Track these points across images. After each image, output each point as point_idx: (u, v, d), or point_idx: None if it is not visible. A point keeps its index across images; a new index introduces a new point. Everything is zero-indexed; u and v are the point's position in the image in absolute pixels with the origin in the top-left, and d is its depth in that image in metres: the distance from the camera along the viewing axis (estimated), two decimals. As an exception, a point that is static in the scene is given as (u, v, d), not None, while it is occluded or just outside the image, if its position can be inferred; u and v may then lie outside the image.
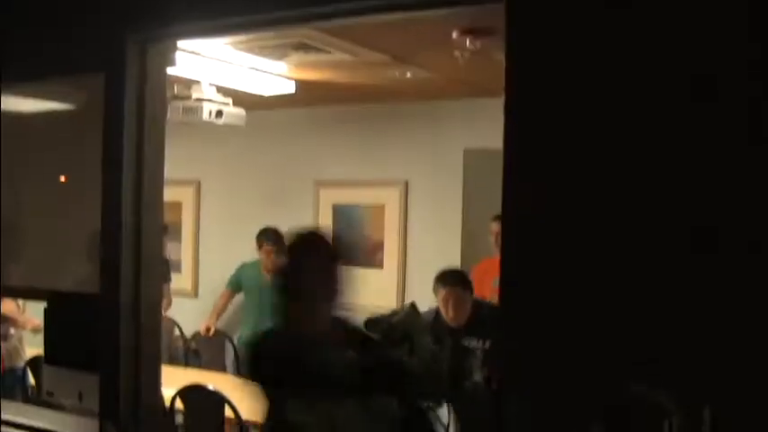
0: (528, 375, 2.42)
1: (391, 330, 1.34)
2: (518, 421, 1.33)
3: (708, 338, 2.25)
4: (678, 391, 1.36)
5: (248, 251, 8.70)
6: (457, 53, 5.54)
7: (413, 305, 1.28)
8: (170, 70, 3.75)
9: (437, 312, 6.30)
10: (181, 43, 4.30)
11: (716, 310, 2.27)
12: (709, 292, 2.28)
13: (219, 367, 8.64)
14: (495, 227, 6.44)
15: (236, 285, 8.79)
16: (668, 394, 1.37)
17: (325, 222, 8.91)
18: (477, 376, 1.27)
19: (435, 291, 6.13)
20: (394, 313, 1.34)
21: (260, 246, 8.42)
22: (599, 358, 2.36)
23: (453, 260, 7.96)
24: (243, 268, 8.76)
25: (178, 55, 3.87)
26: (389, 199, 8.60)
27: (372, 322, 1.35)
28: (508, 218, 2.52)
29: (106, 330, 3.40)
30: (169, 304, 8.48)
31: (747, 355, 2.21)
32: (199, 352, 8.62)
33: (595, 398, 1.82)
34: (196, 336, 8.63)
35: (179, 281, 9.22)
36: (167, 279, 8.52)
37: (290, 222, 8.72)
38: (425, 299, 8.00)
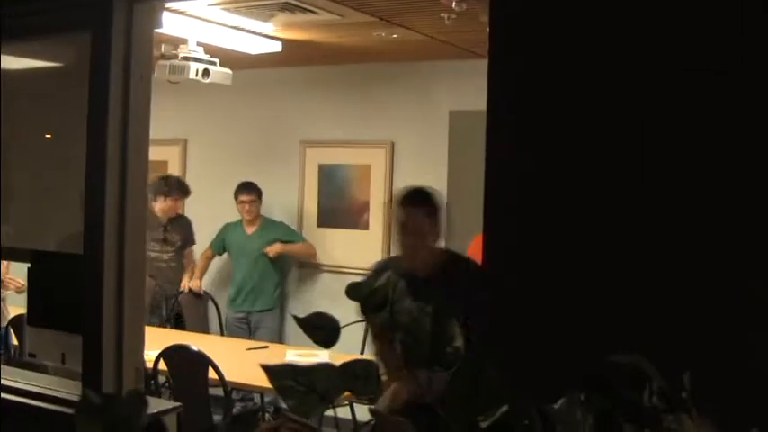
0: (506, 345, 2.44)
1: (372, 295, 1.34)
2: (494, 390, 1.34)
3: (687, 305, 2.27)
4: (658, 357, 1.37)
5: (234, 209, 8.71)
6: (443, 14, 5.53)
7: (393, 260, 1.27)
8: (157, 30, 3.73)
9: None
10: (168, 3, 4.28)
11: (695, 278, 2.28)
12: (687, 262, 2.29)
13: (203, 328, 8.68)
14: None
15: (218, 247, 8.94)
16: (648, 360, 1.38)
17: (311, 182, 8.92)
18: (459, 341, 1.27)
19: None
20: (375, 278, 1.33)
21: (237, 199, 8.64)
22: (578, 326, 2.38)
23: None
24: (226, 229, 8.88)
25: (165, 15, 3.86)
26: (375, 159, 8.60)
27: (354, 287, 1.35)
28: (490, 184, 2.52)
29: (89, 291, 3.40)
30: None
31: (725, 320, 2.23)
32: (182, 313, 8.64)
33: (575, 366, 1.83)
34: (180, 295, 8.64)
35: (165, 239, 9.25)
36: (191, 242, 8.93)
37: (276, 181, 8.79)
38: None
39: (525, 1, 2.56)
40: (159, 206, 8.48)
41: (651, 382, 1.38)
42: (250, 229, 8.73)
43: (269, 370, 1.30)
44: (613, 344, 1.50)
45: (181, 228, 8.74)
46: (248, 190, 8.64)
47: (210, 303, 8.90)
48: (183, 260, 8.87)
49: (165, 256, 8.60)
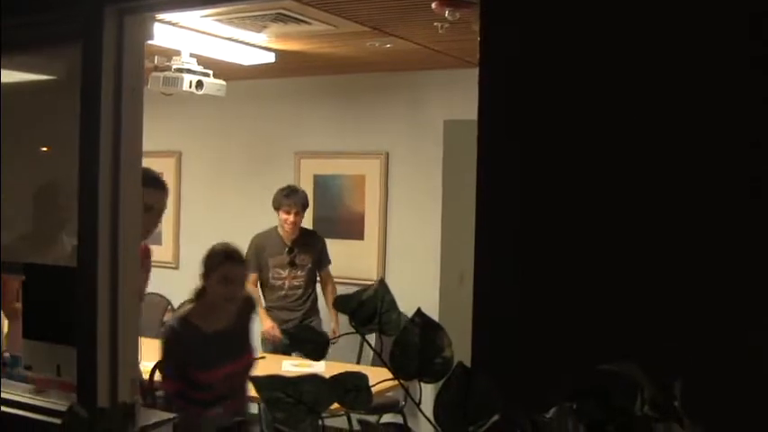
0: (497, 354, 2.44)
1: (360, 308, 1.34)
2: (486, 399, 1.34)
3: (679, 313, 2.27)
4: (649, 366, 1.37)
5: (229, 221, 8.70)
6: (437, 23, 5.53)
7: (382, 281, 1.28)
8: (149, 42, 3.73)
9: None
10: (160, 14, 4.28)
11: (685, 287, 2.28)
12: (679, 271, 2.29)
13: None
14: None
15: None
16: (640, 368, 1.38)
17: (306, 192, 8.93)
18: (449, 352, 1.26)
19: None
20: (364, 290, 1.34)
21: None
22: (570, 335, 2.37)
23: (434, 231, 8.00)
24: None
25: (158, 26, 3.85)
26: (370, 170, 8.61)
27: (342, 300, 1.35)
28: (481, 193, 2.52)
29: (83, 303, 3.39)
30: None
31: (718, 328, 2.22)
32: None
33: (566, 375, 1.83)
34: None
35: (160, 252, 9.20)
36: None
37: (270, 192, 8.77)
38: (406, 270, 8.05)
39: (515, 9, 2.56)
40: (284, 223, 7.71)
41: (643, 391, 1.37)
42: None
43: (257, 381, 1.30)
44: (605, 353, 1.50)
45: (311, 245, 7.90)
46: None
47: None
48: (314, 286, 7.92)
49: (296, 282, 7.77)
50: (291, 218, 7.69)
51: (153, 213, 4.71)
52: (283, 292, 7.75)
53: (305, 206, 7.85)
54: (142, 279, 4.72)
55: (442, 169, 8.06)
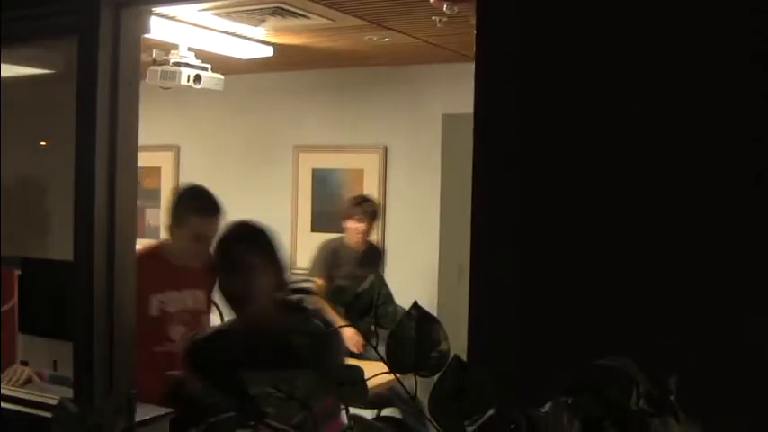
0: (493, 348, 2.43)
1: (356, 301, 1.33)
2: (481, 394, 1.33)
3: (676, 308, 2.26)
4: (646, 361, 1.37)
5: (227, 215, 8.68)
6: (435, 17, 5.53)
7: (378, 274, 1.27)
8: (146, 35, 3.72)
9: None
10: (157, 8, 4.27)
11: (681, 282, 2.27)
12: (675, 267, 2.28)
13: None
14: None
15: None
16: (635, 363, 1.37)
17: (305, 187, 8.91)
18: (445, 345, 1.25)
19: None
20: (360, 283, 1.32)
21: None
22: (565, 330, 2.37)
23: (432, 225, 7.99)
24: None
25: (156, 20, 3.85)
26: (368, 164, 8.60)
27: (338, 292, 1.34)
28: (478, 187, 2.51)
29: (79, 297, 3.38)
30: None
31: (713, 324, 2.22)
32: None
33: (562, 370, 1.82)
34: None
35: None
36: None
37: (269, 186, 8.74)
38: (405, 264, 8.04)
39: (512, 3, 2.55)
40: (354, 233, 7.51)
41: (638, 386, 1.37)
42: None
43: (248, 377, 1.29)
44: (601, 348, 1.49)
45: (374, 259, 7.70)
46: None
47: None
48: None
49: None
50: (363, 227, 7.51)
51: (207, 243, 4.48)
52: None
53: (375, 216, 7.66)
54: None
55: (441, 163, 8.05)
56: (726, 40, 2.24)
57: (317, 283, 7.39)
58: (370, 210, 7.60)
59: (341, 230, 7.68)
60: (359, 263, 7.50)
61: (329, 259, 7.55)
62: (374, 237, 7.95)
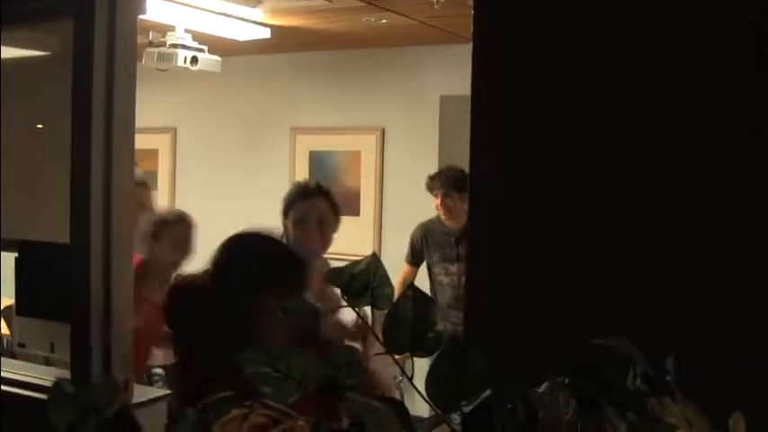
0: (489, 329, 2.43)
1: (352, 281, 1.32)
2: (477, 374, 1.33)
3: (674, 288, 2.26)
4: (642, 340, 1.37)
5: (225, 198, 8.68)
6: (432, -1, 5.53)
7: (374, 254, 1.26)
8: (143, 17, 3.71)
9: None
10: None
11: (679, 263, 2.27)
12: (673, 247, 2.28)
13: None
14: None
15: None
16: (632, 343, 1.37)
17: (302, 168, 8.91)
18: (441, 326, 1.25)
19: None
20: (356, 263, 1.32)
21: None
22: (562, 310, 2.37)
23: (429, 207, 7.99)
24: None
25: (152, 1, 3.84)
26: (366, 145, 8.61)
27: (334, 273, 1.34)
28: (475, 169, 2.51)
29: (76, 279, 3.38)
30: None
31: (711, 303, 2.22)
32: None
33: (558, 350, 1.83)
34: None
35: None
36: None
37: (266, 168, 8.74)
38: (402, 246, 8.05)
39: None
40: (438, 209, 6.72)
41: (635, 366, 1.37)
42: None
43: (242, 356, 1.29)
44: (597, 327, 1.50)
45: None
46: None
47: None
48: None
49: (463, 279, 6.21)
50: (449, 202, 6.62)
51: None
52: (455, 292, 6.55)
53: (459, 187, 6.48)
54: None
55: (438, 145, 8.05)
56: (726, 41, 2.24)
57: (405, 270, 6.97)
58: (449, 180, 6.61)
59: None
60: (455, 244, 6.73)
61: (418, 244, 7.00)
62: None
